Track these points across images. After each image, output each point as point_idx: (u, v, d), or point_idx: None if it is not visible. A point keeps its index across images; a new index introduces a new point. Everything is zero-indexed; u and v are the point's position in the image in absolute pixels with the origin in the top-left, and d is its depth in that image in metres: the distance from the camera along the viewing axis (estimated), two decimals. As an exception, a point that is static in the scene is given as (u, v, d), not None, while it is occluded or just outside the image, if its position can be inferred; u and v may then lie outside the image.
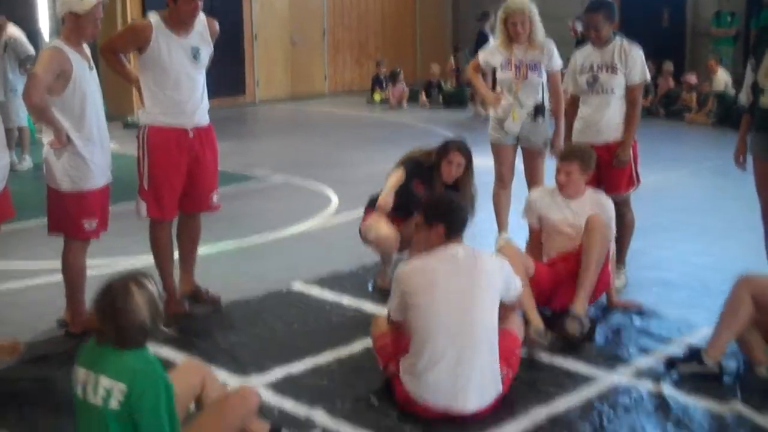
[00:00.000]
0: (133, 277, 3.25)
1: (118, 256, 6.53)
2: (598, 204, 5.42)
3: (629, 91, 5.90)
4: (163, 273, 5.44)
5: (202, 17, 5.29)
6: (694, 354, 4.50)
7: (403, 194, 5.71)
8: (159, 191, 5.25)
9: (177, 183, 5.29)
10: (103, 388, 3.20)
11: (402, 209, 5.66)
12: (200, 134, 5.35)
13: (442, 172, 5.75)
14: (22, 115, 10.20)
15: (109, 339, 3.22)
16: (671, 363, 4.56)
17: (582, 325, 4.80)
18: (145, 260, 5.81)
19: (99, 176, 5.03)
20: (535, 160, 6.63)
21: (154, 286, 3.28)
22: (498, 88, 6.69)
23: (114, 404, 3.18)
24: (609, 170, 5.90)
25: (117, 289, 3.21)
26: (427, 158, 5.88)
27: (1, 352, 4.79)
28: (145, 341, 3.25)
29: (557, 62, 6.47)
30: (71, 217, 4.99)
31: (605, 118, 5.89)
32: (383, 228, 5.68)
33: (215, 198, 5.57)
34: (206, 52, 5.34)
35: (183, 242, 5.65)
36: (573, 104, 6.16)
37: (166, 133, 5.21)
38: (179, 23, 5.17)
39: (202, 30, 5.32)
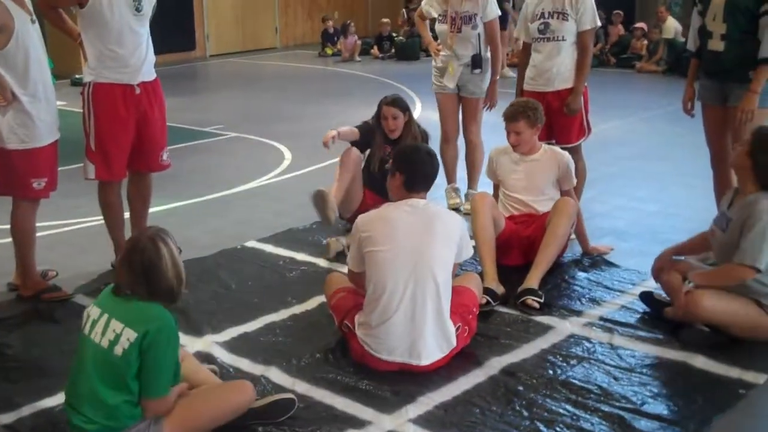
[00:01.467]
0: (159, 236, 3.31)
1: (68, 218, 6.45)
2: (553, 158, 5.40)
3: (580, 38, 5.91)
4: (114, 234, 5.39)
5: None
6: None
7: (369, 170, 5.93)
8: (107, 152, 5.14)
9: (125, 142, 5.19)
10: (113, 332, 3.24)
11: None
12: (147, 90, 5.22)
13: (384, 130, 5.90)
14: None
15: (137, 294, 3.28)
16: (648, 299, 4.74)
17: (540, 297, 4.82)
18: (96, 222, 5.75)
19: (46, 133, 4.90)
20: (471, 108, 6.68)
21: (174, 241, 3.34)
22: (439, 39, 6.72)
23: (118, 350, 3.22)
24: (560, 119, 5.92)
25: (147, 248, 3.27)
26: (367, 125, 6.07)
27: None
28: (171, 302, 3.32)
29: (492, 12, 6.47)
30: (19, 177, 4.86)
31: (556, 66, 5.90)
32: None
33: (165, 156, 5.48)
34: (149, 2, 5.17)
35: (134, 202, 5.58)
36: (525, 52, 6.17)
37: (111, 89, 5.08)
38: None
39: None
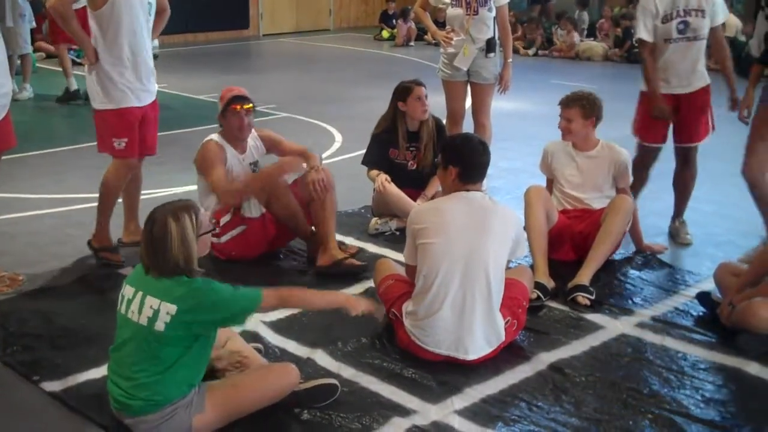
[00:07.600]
0: (174, 212, 3.25)
1: (156, 187, 6.46)
2: (610, 155, 5.29)
3: (715, 31, 5.58)
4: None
5: None
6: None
7: (390, 170, 5.88)
8: None
9: None
10: (150, 308, 3.22)
11: (399, 181, 5.84)
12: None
13: (411, 113, 5.86)
14: (26, 43, 10.10)
15: (151, 268, 3.27)
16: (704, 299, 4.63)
17: (591, 294, 4.73)
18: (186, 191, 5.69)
19: (130, 97, 5.05)
20: (483, 94, 6.69)
21: (192, 221, 3.27)
22: (448, 26, 6.66)
23: (160, 326, 3.20)
24: (695, 116, 5.65)
25: (156, 222, 3.25)
26: (384, 121, 6.01)
27: (1, 283, 4.77)
28: (182, 274, 3.26)
29: None
30: (102, 134, 5.14)
31: (696, 65, 5.60)
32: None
33: None
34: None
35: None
36: (651, 53, 5.59)
37: None
38: None
39: None
